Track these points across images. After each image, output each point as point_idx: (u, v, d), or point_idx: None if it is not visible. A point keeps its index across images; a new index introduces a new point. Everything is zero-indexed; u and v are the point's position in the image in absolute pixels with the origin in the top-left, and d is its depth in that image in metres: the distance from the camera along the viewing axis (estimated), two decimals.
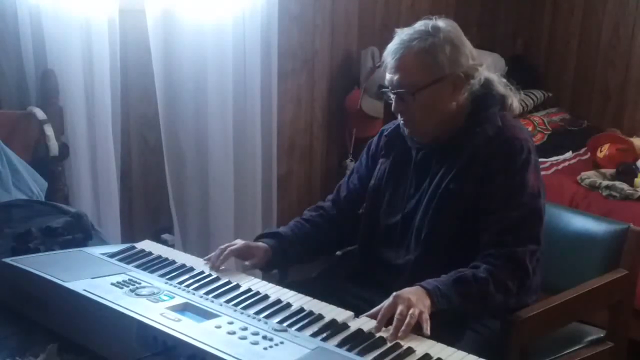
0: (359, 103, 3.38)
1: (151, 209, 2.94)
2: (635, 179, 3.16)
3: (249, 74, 2.96)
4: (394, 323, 1.45)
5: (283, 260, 1.91)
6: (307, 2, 3.25)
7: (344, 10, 3.43)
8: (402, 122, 1.87)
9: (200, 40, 2.79)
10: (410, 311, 1.48)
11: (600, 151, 3.48)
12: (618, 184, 3.14)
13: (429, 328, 1.48)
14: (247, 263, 1.83)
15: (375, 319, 1.48)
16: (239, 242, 1.84)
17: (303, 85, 3.36)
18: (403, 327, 1.44)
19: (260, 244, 1.89)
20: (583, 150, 3.63)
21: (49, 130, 2.37)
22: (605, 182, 3.17)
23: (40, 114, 2.37)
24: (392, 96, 1.82)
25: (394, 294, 1.55)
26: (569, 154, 3.59)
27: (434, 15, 1.84)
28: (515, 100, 1.89)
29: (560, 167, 3.46)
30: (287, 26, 3.15)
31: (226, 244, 1.82)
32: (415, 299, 1.54)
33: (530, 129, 3.59)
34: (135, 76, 2.77)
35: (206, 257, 1.76)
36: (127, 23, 2.66)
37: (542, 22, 4.22)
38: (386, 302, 1.53)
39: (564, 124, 3.88)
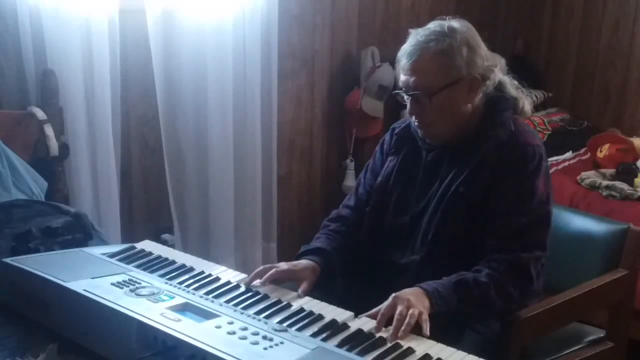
0: (359, 103, 3.38)
1: (151, 209, 2.94)
2: (635, 179, 3.17)
3: (249, 74, 2.96)
4: (394, 323, 1.45)
5: (328, 277, 1.83)
6: (307, 2, 3.25)
7: (344, 10, 3.43)
8: (416, 123, 1.85)
9: (200, 40, 2.79)
10: (410, 311, 1.48)
11: (600, 151, 3.48)
12: (618, 184, 3.14)
13: (428, 328, 1.48)
14: (299, 292, 1.63)
15: (375, 319, 1.48)
16: (282, 265, 1.73)
17: (303, 85, 3.35)
18: (403, 327, 1.44)
19: (304, 263, 1.79)
20: (583, 150, 3.63)
21: (49, 130, 2.37)
22: (605, 182, 3.17)
23: (40, 114, 2.37)
24: (407, 98, 1.81)
25: (393, 294, 1.55)
26: (569, 154, 3.59)
27: (448, 16, 1.82)
28: (527, 103, 1.88)
29: (560, 167, 3.46)
30: (287, 26, 3.15)
31: (269, 265, 1.71)
32: (414, 300, 1.54)
33: None
34: (135, 76, 2.77)
35: (247, 280, 1.63)
36: (127, 23, 2.66)
37: (542, 22, 4.22)
38: (385, 303, 1.53)
39: (564, 124, 3.88)
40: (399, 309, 1.49)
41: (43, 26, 2.41)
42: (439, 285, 1.63)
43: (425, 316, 1.51)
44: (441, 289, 1.63)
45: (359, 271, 1.93)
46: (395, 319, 1.46)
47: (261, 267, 1.69)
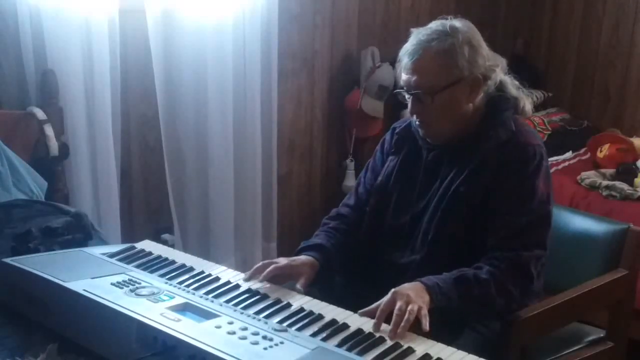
0: (359, 103, 3.38)
1: (151, 209, 2.94)
2: (635, 179, 3.17)
3: (249, 74, 2.96)
4: (393, 319, 1.45)
5: (327, 273, 1.83)
6: (307, 2, 3.25)
7: (344, 10, 3.43)
8: (417, 123, 1.85)
9: (200, 40, 2.79)
10: (409, 307, 1.48)
11: (600, 151, 3.48)
12: (618, 184, 3.14)
13: (428, 323, 1.48)
14: (298, 287, 1.67)
15: (374, 315, 1.48)
16: (281, 261, 1.73)
17: (303, 85, 3.36)
18: (402, 323, 1.44)
19: (303, 259, 1.79)
20: (583, 150, 3.63)
21: (49, 130, 2.37)
22: (605, 182, 3.17)
23: (40, 114, 2.37)
24: (408, 97, 1.81)
25: (393, 290, 1.55)
26: (569, 154, 3.59)
27: (449, 16, 1.83)
28: (528, 103, 1.88)
29: (560, 167, 3.46)
30: (287, 26, 3.15)
31: (267, 261, 1.72)
32: (414, 295, 1.54)
33: None
34: (135, 76, 2.77)
35: (246, 277, 1.64)
36: (127, 23, 2.66)
37: (542, 22, 4.23)
38: (385, 298, 1.53)
39: (564, 124, 3.88)
40: (399, 304, 1.49)
41: (43, 26, 2.41)
42: (439, 280, 1.64)
43: (424, 311, 1.51)
44: (442, 284, 1.63)
45: (359, 271, 1.93)
46: (394, 315, 1.46)
47: (260, 263, 1.69)
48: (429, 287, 1.60)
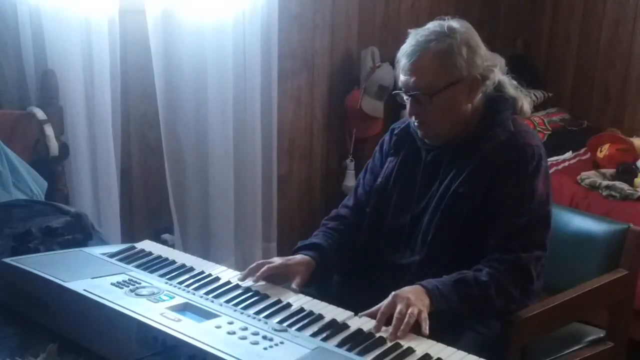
0: (359, 103, 3.38)
1: (151, 209, 2.94)
2: (635, 179, 3.17)
3: (249, 74, 2.96)
4: (393, 322, 1.45)
5: (324, 273, 1.83)
6: (307, 2, 3.26)
7: (344, 10, 3.43)
8: (416, 124, 1.85)
9: (200, 40, 2.79)
10: (410, 310, 1.48)
11: (600, 151, 3.48)
12: (618, 184, 3.14)
13: (427, 327, 1.48)
14: (294, 286, 1.68)
15: (374, 318, 1.48)
16: (276, 260, 1.74)
17: (303, 85, 3.36)
18: (402, 327, 1.44)
19: (299, 258, 1.79)
20: (583, 150, 3.63)
21: (49, 130, 2.37)
22: (605, 182, 3.17)
23: (40, 114, 2.37)
24: (407, 98, 1.81)
25: (393, 293, 1.55)
26: (569, 154, 3.59)
27: (447, 16, 1.82)
28: (526, 103, 1.88)
29: (560, 167, 3.46)
30: (287, 26, 3.15)
31: (262, 260, 1.72)
32: (414, 298, 1.54)
33: None
34: (135, 76, 2.77)
35: (240, 276, 1.64)
36: (127, 23, 2.67)
37: (542, 22, 4.22)
38: (385, 301, 1.53)
39: (564, 124, 3.88)
40: (399, 307, 1.49)
41: (43, 26, 2.41)
42: (439, 283, 1.64)
43: (424, 315, 1.51)
44: (441, 286, 1.63)
45: (359, 272, 1.93)
46: (395, 318, 1.46)
47: (255, 263, 1.69)
48: (429, 290, 1.60)
